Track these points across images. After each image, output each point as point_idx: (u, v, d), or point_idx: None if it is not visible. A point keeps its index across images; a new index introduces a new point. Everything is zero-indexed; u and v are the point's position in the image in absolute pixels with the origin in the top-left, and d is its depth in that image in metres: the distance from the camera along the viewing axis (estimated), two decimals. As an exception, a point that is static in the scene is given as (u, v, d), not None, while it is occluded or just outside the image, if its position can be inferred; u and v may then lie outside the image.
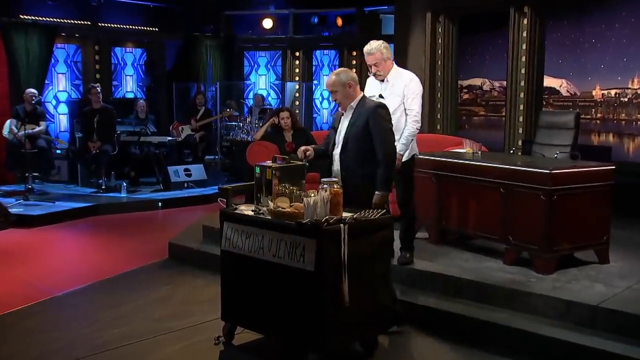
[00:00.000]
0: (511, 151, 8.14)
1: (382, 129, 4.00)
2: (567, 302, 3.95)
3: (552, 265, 4.46)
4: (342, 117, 4.18)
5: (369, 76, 4.74)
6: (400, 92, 4.49)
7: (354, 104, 4.11)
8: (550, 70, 8.74)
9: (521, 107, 8.53)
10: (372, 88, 4.65)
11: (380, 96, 4.51)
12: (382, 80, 4.56)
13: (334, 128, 4.23)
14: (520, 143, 8.41)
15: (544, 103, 8.76)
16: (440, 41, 9.47)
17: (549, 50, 8.62)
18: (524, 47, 8.43)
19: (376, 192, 3.95)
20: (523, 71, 8.45)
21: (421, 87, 4.61)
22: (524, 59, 8.44)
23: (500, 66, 9.06)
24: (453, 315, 4.14)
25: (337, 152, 4.16)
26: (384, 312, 3.76)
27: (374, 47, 4.49)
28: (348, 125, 4.09)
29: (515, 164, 4.72)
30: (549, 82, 8.83)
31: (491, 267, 4.65)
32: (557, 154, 6.05)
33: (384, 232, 3.67)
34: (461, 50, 9.59)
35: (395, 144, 4.18)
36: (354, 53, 12.64)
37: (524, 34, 8.43)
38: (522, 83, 8.48)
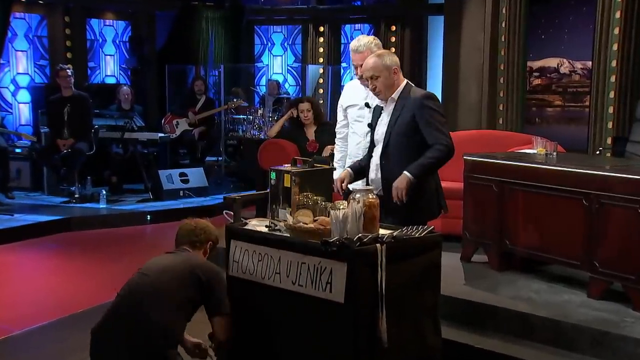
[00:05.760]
0: (597, 152, 8.08)
1: (435, 122, 4.07)
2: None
3: (655, 301, 4.41)
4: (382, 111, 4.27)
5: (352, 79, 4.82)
6: None
7: (395, 95, 4.19)
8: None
9: (611, 95, 8.43)
10: (355, 95, 4.75)
11: (367, 105, 4.60)
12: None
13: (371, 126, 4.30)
14: (609, 141, 8.32)
15: (644, 89, 8.66)
16: (504, 11, 9.43)
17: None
18: (617, 15, 8.31)
19: (404, 172, 4.01)
20: (615, 47, 8.32)
21: None
22: (616, 31, 8.32)
23: (583, 42, 8.99)
24: (522, 362, 4.13)
25: (374, 155, 4.24)
26: (433, 355, 3.77)
27: (363, 44, 4.58)
28: (389, 122, 4.18)
29: (603, 168, 4.69)
30: (651, 61, 8.72)
31: (572, 302, 4.62)
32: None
33: (431, 255, 3.68)
34: (532, 22, 9.54)
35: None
36: (393, 28, 12.65)
37: (619, -1, 8.35)
38: (614, 63, 8.37)
